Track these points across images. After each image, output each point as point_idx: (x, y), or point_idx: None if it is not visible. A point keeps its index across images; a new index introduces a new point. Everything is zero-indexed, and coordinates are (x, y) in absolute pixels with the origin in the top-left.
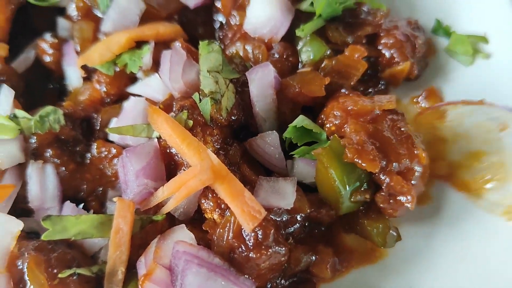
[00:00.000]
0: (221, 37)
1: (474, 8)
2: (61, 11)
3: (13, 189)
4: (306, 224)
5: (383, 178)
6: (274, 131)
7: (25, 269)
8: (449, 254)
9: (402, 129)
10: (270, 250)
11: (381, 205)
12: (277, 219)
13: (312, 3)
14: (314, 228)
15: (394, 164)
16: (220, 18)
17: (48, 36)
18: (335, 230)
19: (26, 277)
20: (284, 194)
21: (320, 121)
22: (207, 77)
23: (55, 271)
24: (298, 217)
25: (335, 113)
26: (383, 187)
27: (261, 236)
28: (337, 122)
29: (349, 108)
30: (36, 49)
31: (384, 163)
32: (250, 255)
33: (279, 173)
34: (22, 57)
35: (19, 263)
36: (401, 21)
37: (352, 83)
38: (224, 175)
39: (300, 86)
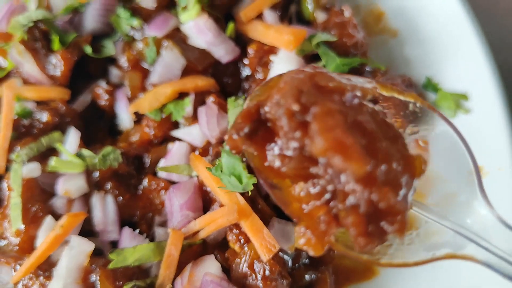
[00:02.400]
0: (246, 88)
1: (459, 69)
2: (113, 61)
3: (85, 216)
4: (308, 260)
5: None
6: None
7: (98, 281)
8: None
9: (389, 123)
10: (274, 282)
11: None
12: (285, 256)
13: (324, 65)
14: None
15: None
16: (246, 71)
17: (103, 84)
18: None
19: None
20: (289, 238)
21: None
22: None
23: (120, 283)
24: (303, 254)
25: (294, 91)
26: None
27: (268, 272)
28: (297, 106)
29: (321, 85)
30: (92, 93)
31: (371, 166)
32: (259, 284)
33: None
34: (81, 100)
35: (92, 276)
36: (396, 78)
37: None
38: (248, 214)
39: None
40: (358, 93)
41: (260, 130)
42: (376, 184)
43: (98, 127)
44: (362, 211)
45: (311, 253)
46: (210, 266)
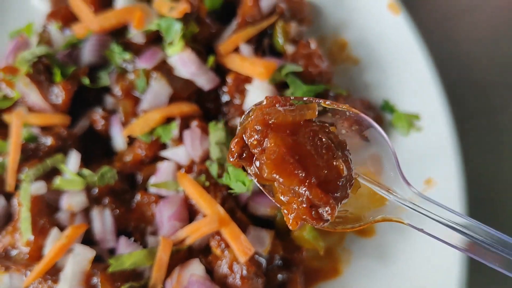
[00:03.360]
0: (226, 112)
1: (411, 92)
2: (108, 90)
3: (86, 228)
4: (281, 262)
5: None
6: None
7: (99, 283)
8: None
9: (323, 139)
10: (250, 281)
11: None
12: (260, 258)
13: (292, 93)
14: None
15: (312, 177)
16: (225, 98)
17: (99, 110)
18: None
19: None
20: (263, 242)
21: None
22: (215, 147)
23: (118, 284)
24: (276, 257)
25: (256, 127)
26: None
27: (245, 272)
28: (257, 137)
29: (270, 122)
30: (90, 119)
31: (303, 175)
32: (237, 282)
33: None
34: (80, 125)
35: (94, 279)
36: (356, 102)
37: None
38: (227, 223)
39: None
40: (302, 121)
41: (247, 150)
42: (312, 186)
43: (95, 149)
44: (306, 204)
45: (290, 227)
46: (196, 268)
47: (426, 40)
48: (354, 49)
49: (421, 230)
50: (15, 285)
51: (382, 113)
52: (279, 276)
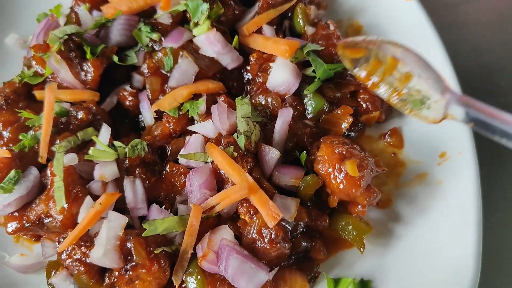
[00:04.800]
0: (248, 90)
1: None
2: (135, 68)
3: (119, 195)
4: (305, 229)
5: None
6: (276, 150)
7: (132, 248)
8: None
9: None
10: (278, 245)
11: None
12: (286, 225)
13: (313, 70)
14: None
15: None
16: (248, 76)
17: (128, 87)
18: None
19: (133, 253)
20: (289, 210)
21: (313, 156)
22: (242, 121)
23: (151, 249)
24: (301, 224)
25: (325, 157)
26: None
27: (274, 236)
28: (328, 169)
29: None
30: (118, 96)
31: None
32: (266, 246)
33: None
34: (108, 101)
35: (127, 245)
36: None
37: (341, 130)
38: (256, 190)
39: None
40: None
41: None
42: None
43: (122, 126)
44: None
45: None
46: (225, 233)
47: (435, 25)
48: (368, 33)
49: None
50: (47, 253)
51: None
52: (303, 243)
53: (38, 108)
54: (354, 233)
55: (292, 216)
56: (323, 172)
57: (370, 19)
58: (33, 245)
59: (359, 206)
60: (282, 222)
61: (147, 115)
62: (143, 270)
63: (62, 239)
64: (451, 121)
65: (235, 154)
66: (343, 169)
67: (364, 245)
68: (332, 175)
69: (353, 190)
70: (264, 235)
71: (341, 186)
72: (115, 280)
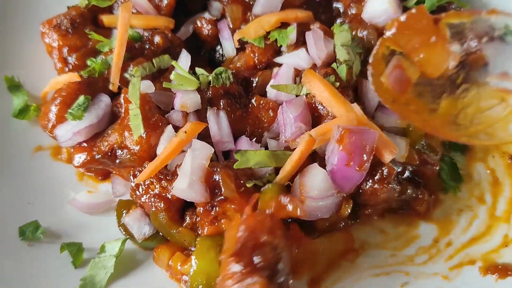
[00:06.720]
0: (339, 24)
1: None
2: None
3: (205, 125)
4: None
5: None
6: None
7: (220, 180)
8: None
9: None
10: (389, 185)
11: None
12: (394, 167)
13: (416, 2)
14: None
15: None
16: (339, 7)
17: (206, 15)
18: None
19: (221, 185)
20: (400, 149)
21: None
22: (342, 49)
23: (242, 181)
24: (408, 168)
25: None
26: None
27: (386, 174)
28: None
29: None
30: (193, 25)
31: None
32: (376, 187)
33: None
34: (183, 31)
35: (215, 176)
36: None
37: None
38: (365, 123)
39: None
40: None
41: None
42: None
43: (198, 56)
44: None
45: None
46: (317, 174)
47: None
48: None
49: None
50: (118, 191)
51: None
52: (409, 190)
53: (105, 34)
54: None
55: (403, 156)
56: None
57: None
58: (99, 184)
59: None
60: (391, 164)
61: (228, 45)
62: (232, 206)
63: (138, 173)
64: None
65: (337, 84)
66: None
67: None
68: None
69: None
70: (373, 173)
71: None
72: (197, 219)
